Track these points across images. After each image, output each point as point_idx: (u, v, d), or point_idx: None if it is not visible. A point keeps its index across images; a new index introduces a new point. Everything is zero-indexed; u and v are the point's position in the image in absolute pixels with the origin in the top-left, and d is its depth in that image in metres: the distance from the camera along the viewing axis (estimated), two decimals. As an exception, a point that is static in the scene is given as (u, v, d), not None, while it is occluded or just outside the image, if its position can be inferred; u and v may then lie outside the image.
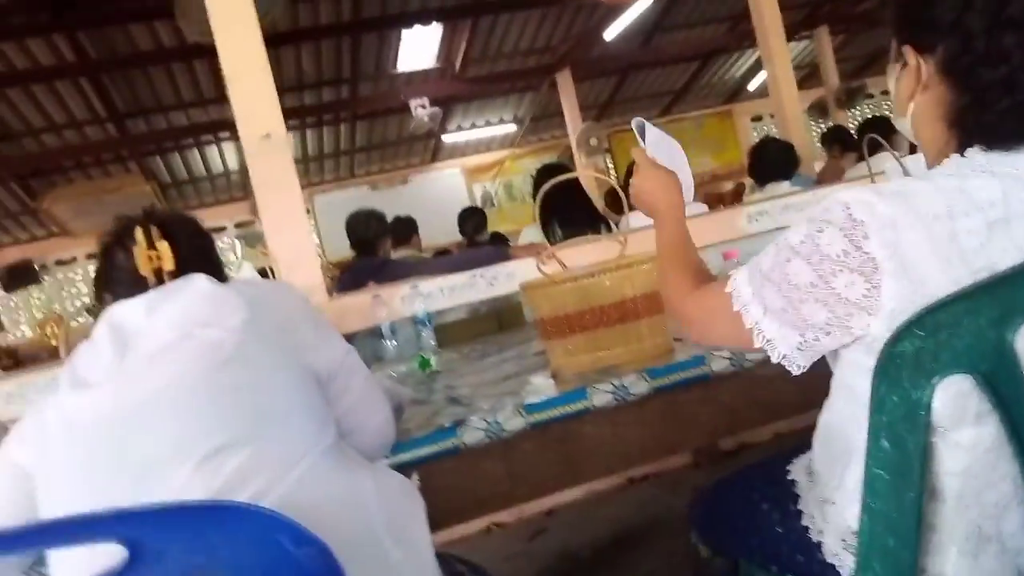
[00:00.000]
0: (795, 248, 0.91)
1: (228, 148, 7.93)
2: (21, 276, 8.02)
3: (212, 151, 7.99)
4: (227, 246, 8.72)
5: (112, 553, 0.78)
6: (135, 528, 0.71)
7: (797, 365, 0.94)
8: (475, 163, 9.41)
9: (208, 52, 6.03)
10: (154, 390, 1.01)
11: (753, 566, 1.26)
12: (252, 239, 8.76)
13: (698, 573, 1.47)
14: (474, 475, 1.16)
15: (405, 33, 6.69)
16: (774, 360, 0.94)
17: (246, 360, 1.06)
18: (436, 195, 8.88)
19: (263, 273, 3.24)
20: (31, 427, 1.07)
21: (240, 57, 2.60)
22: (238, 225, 8.76)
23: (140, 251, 1.16)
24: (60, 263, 8.32)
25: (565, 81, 7.84)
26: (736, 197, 5.77)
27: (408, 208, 8.78)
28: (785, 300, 0.92)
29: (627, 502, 2.95)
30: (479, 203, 9.20)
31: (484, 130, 9.01)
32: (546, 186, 1.78)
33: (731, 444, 3.11)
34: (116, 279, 1.19)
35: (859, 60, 9.67)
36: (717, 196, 6.31)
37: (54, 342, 5.81)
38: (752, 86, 9.68)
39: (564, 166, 3.38)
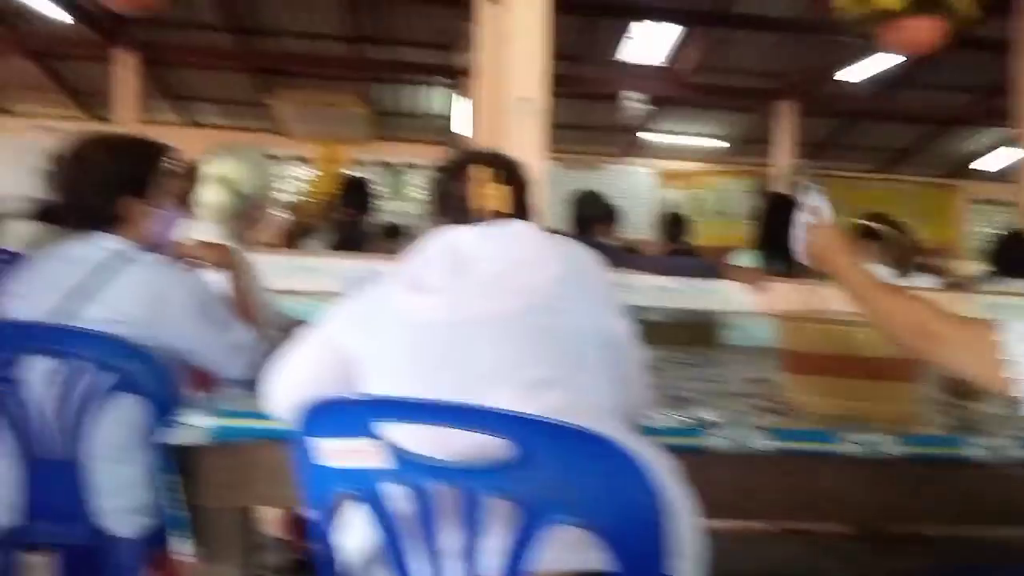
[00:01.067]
0: None
1: (439, 93, 8.26)
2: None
3: (426, 92, 8.34)
4: (419, 185, 9.12)
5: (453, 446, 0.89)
6: (526, 433, 0.81)
7: None
8: (669, 168, 9.33)
9: (456, 2, 6.36)
10: (484, 314, 1.13)
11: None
12: (439, 183, 9.12)
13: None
14: (702, 479, 1.21)
15: (639, 25, 6.70)
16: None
17: (559, 309, 1.16)
18: (625, 189, 8.86)
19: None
20: (357, 313, 1.21)
21: (526, 18, 2.71)
22: (431, 167, 9.09)
23: (479, 187, 1.28)
24: (274, 158, 8.98)
25: (786, 111, 7.60)
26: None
27: (594, 194, 8.82)
28: None
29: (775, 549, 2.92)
30: (663, 208, 9.13)
31: (688, 139, 8.91)
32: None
33: (902, 529, 3.00)
34: (447, 204, 1.33)
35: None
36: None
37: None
38: (981, 165, 9.03)
39: (794, 200, 3.30)
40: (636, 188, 9.12)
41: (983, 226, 9.41)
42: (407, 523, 0.88)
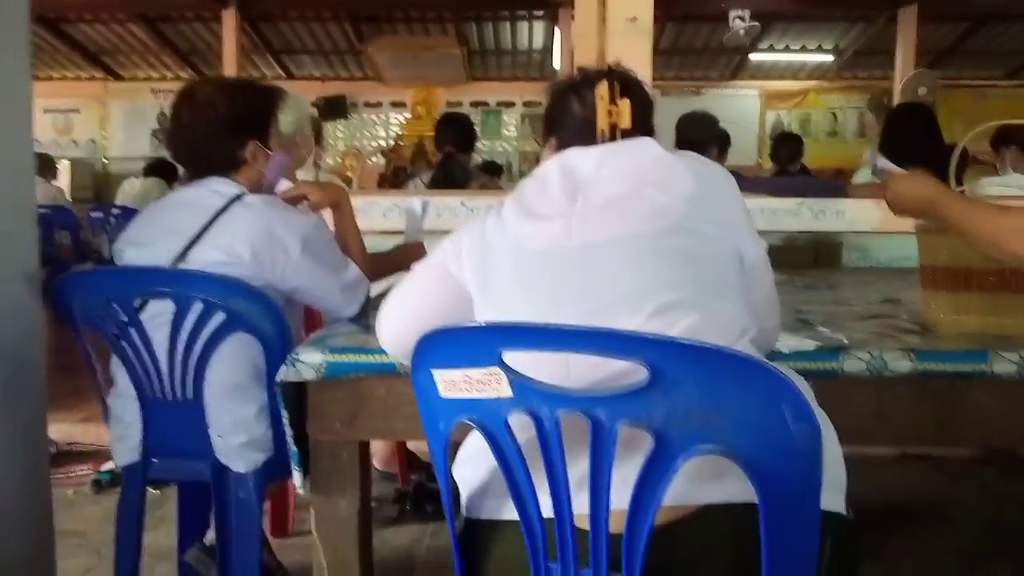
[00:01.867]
0: None
1: (538, 27, 8.05)
2: (335, 108, 8.86)
3: (523, 27, 8.15)
4: (514, 123, 9.02)
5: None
6: (659, 354, 0.74)
7: None
8: (776, 88, 8.83)
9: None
10: (607, 237, 1.05)
11: None
12: (536, 121, 9.00)
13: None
14: (841, 404, 1.11)
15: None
16: None
17: (691, 230, 1.06)
18: (728, 114, 8.39)
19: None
20: (471, 243, 1.15)
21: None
22: (526, 104, 8.98)
23: (602, 104, 1.19)
24: (368, 105, 9.07)
25: (908, 18, 6.97)
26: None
27: (696, 121, 8.48)
28: None
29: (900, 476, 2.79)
30: (769, 131, 8.69)
31: (797, 55, 8.35)
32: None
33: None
34: (566, 125, 1.24)
35: None
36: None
37: (349, 173, 6.44)
38: None
39: (928, 110, 3.03)
40: (741, 112, 8.69)
41: None
42: (531, 453, 0.84)
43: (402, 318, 1.24)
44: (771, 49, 8.28)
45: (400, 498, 2.53)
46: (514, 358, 0.83)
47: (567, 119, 1.24)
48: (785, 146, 3.87)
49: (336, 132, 9.11)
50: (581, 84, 1.24)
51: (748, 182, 2.90)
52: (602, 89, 1.19)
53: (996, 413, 1.32)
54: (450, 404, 0.87)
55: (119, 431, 1.59)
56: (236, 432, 1.54)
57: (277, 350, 1.52)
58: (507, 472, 0.86)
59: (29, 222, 1.57)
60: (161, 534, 2.19)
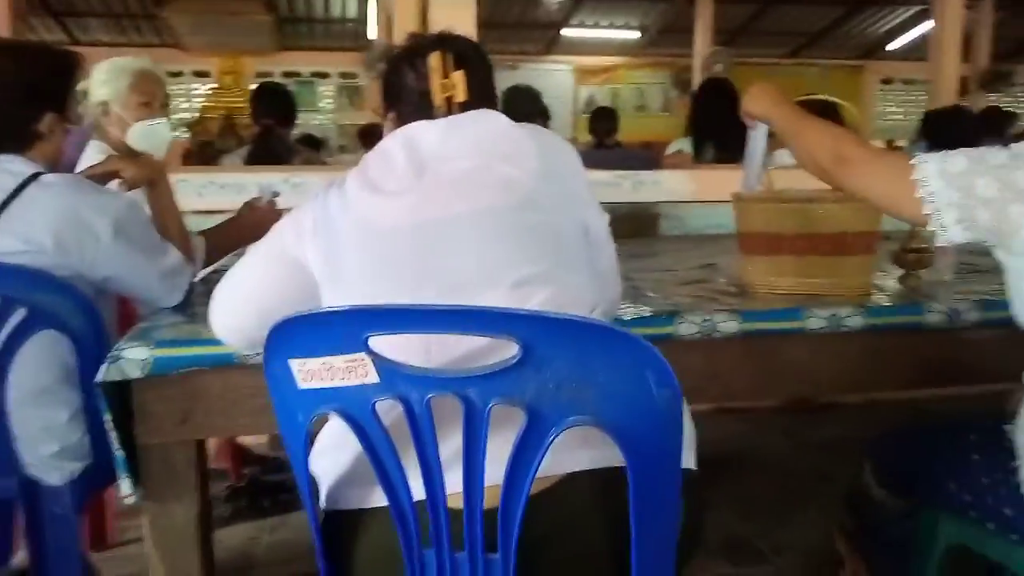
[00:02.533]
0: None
1: (351, -6, 7.81)
2: (129, 79, 8.11)
3: (336, -6, 7.87)
4: (329, 95, 8.73)
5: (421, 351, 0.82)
6: (531, 330, 0.74)
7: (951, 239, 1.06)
8: (587, 64, 9.15)
9: None
10: (459, 212, 1.03)
11: (943, 512, 1.29)
12: (352, 92, 8.76)
13: (864, 511, 1.51)
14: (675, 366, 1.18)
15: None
16: (933, 230, 1.07)
17: (541, 204, 1.07)
18: (543, 88, 8.62)
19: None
20: (312, 222, 1.08)
21: None
22: (342, 75, 8.71)
23: (436, 77, 1.15)
24: (169, 74, 8.38)
25: (705, -2, 7.49)
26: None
27: (514, 95, 8.60)
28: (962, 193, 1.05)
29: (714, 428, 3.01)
30: (582, 106, 9.01)
31: (606, 31, 8.72)
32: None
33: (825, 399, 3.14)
34: (403, 97, 1.19)
35: (1013, 43, 9.07)
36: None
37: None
38: (892, 46, 9.18)
39: (729, 85, 3.26)
40: (556, 87, 8.93)
41: (890, 106, 9.67)
42: (399, 437, 0.81)
43: (239, 305, 1.15)
44: (582, 25, 8.58)
45: (233, 495, 2.39)
46: (373, 342, 0.80)
47: (403, 91, 1.19)
48: (602, 121, 4.03)
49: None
50: (414, 54, 1.18)
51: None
52: (434, 60, 1.14)
53: (808, 365, 1.45)
54: (309, 395, 0.83)
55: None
56: (46, 441, 1.38)
57: (90, 347, 1.37)
58: (374, 459, 0.83)
59: None
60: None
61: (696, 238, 2.79)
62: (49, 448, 1.38)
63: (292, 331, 0.81)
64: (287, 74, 8.58)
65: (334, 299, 1.05)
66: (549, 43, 8.99)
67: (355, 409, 0.81)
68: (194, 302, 1.53)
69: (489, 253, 1.01)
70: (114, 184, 1.55)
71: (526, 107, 3.11)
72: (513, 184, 1.06)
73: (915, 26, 8.62)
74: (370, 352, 0.79)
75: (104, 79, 1.97)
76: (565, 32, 8.59)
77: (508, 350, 0.76)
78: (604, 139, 4.00)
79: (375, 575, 0.93)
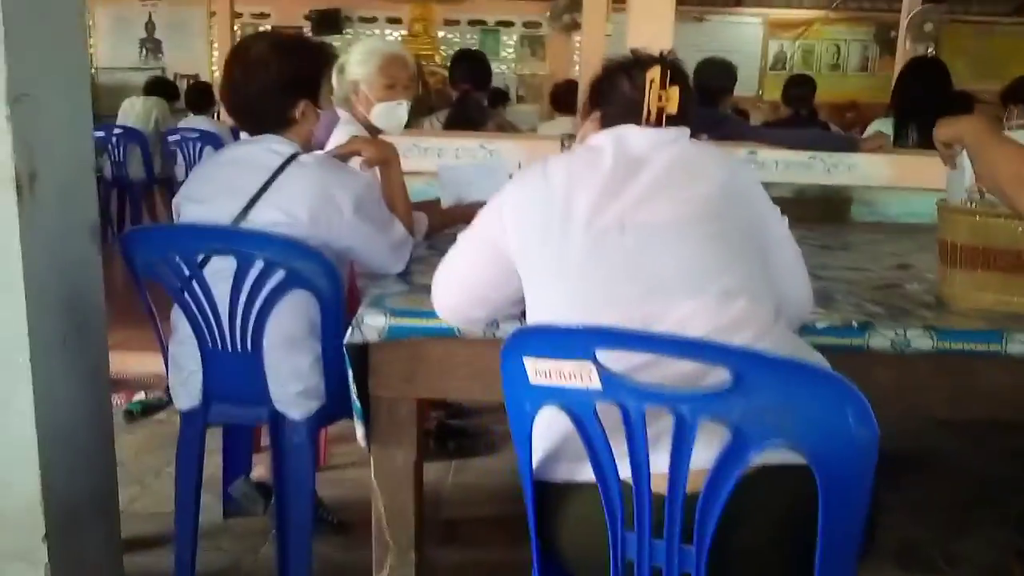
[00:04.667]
0: None
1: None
2: (329, 23, 8.64)
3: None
4: (512, 44, 8.86)
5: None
6: (745, 364, 0.84)
7: None
8: (780, 17, 8.69)
9: None
10: (659, 220, 1.13)
11: None
12: (535, 43, 8.84)
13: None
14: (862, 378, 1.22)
15: None
16: None
17: (732, 217, 1.17)
18: (729, 42, 8.36)
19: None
20: (513, 212, 1.22)
21: None
22: (525, 24, 8.80)
23: (653, 88, 1.26)
24: (363, 20, 8.84)
25: (917, -52, 6.88)
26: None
27: (699, 50, 8.39)
28: None
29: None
30: (771, 62, 8.62)
31: (802, -18, 8.23)
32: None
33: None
34: (613, 101, 1.32)
35: None
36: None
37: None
38: None
39: (940, 64, 3.08)
40: (743, 40, 8.59)
41: None
42: (612, 430, 0.93)
43: (453, 290, 1.33)
44: (776, -25, 8.15)
45: (423, 436, 2.65)
46: (600, 353, 0.92)
47: (615, 96, 1.32)
48: (798, 89, 3.89)
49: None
50: (633, 65, 1.33)
51: (764, 133, 2.96)
52: (654, 73, 1.27)
53: (1007, 389, 1.44)
54: (539, 390, 0.96)
55: (180, 378, 1.68)
56: (292, 382, 1.64)
57: (332, 305, 1.60)
58: (588, 445, 0.96)
59: (88, 176, 1.62)
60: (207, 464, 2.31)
61: (890, 227, 2.70)
62: (295, 388, 1.64)
63: (530, 337, 0.95)
64: (472, 22, 8.80)
65: (535, 289, 1.19)
66: (740, -7, 8.62)
67: (577, 407, 0.95)
68: (413, 271, 1.73)
69: (685, 261, 1.11)
70: (355, 162, 1.76)
71: (719, 81, 3.09)
72: (707, 199, 1.17)
73: None
74: (596, 362, 0.91)
75: (358, 60, 2.19)
76: (757, -18, 8.19)
77: (720, 374, 0.86)
78: (799, 108, 3.88)
79: (580, 543, 1.07)
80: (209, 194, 1.62)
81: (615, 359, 0.93)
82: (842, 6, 8.60)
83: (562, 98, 4.45)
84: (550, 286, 1.17)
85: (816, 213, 2.80)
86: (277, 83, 1.63)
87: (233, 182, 1.60)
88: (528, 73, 8.78)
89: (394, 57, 2.21)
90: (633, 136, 1.24)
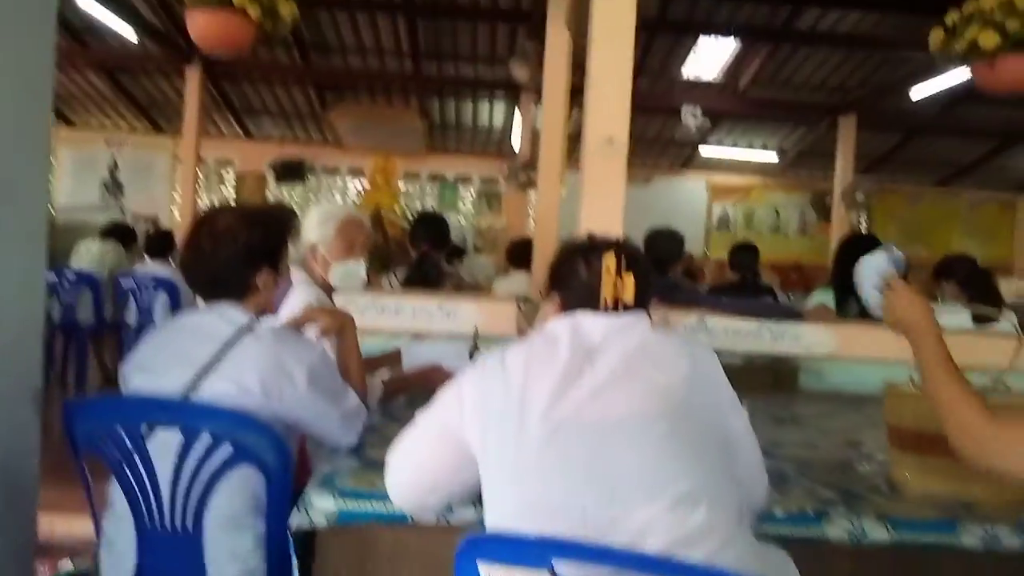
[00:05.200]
0: None
1: (498, 108, 8.30)
2: (293, 171, 8.90)
3: (484, 106, 8.40)
4: (470, 197, 9.19)
5: None
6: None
7: None
8: (722, 182, 9.25)
9: (514, 16, 6.40)
10: (617, 416, 1.13)
11: None
12: (492, 197, 9.19)
13: None
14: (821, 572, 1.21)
15: (700, 42, 6.69)
16: None
17: (692, 413, 1.16)
18: (675, 203, 8.86)
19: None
20: (473, 401, 1.21)
21: (608, 62, 2.68)
22: (483, 180, 9.17)
23: (608, 276, 1.28)
24: (326, 169, 9.12)
25: (847, 125, 7.50)
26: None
27: (646, 211, 8.80)
28: None
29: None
30: (715, 224, 9.07)
31: (744, 151, 8.83)
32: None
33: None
34: (571, 286, 1.33)
35: None
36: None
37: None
38: (1049, 181, 8.78)
39: (873, 239, 3.27)
40: (689, 202, 9.08)
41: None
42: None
43: (409, 474, 1.30)
44: (719, 143, 8.72)
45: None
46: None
47: (573, 281, 1.33)
48: (743, 255, 4.09)
49: (292, 195, 9.12)
50: (589, 250, 1.34)
51: (714, 301, 3.05)
52: (609, 260, 1.29)
53: (962, 581, 1.43)
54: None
55: (112, 557, 1.57)
56: (231, 563, 1.54)
57: (279, 482, 1.53)
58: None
59: (36, 338, 1.58)
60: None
61: (837, 398, 2.76)
62: (233, 570, 1.54)
63: (486, 544, 0.92)
64: (433, 176, 9.15)
65: (493, 481, 1.16)
66: (686, 159, 9.17)
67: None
68: (366, 442, 1.69)
69: (648, 463, 1.09)
70: (310, 331, 1.76)
71: (669, 252, 3.22)
72: (666, 392, 1.16)
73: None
74: (553, 573, 0.88)
75: (315, 223, 2.24)
76: (703, 149, 8.75)
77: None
78: (746, 274, 4.05)
79: None
80: (159, 364, 1.59)
81: (573, 570, 0.90)
82: (779, 174, 9.20)
83: (518, 255, 4.57)
84: (507, 484, 1.14)
85: (765, 381, 2.85)
86: (243, 253, 1.64)
87: (185, 351, 1.57)
88: (485, 226, 9.07)
89: (351, 220, 2.27)
90: (589, 323, 1.25)
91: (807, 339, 2.93)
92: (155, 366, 1.59)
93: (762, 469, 1.32)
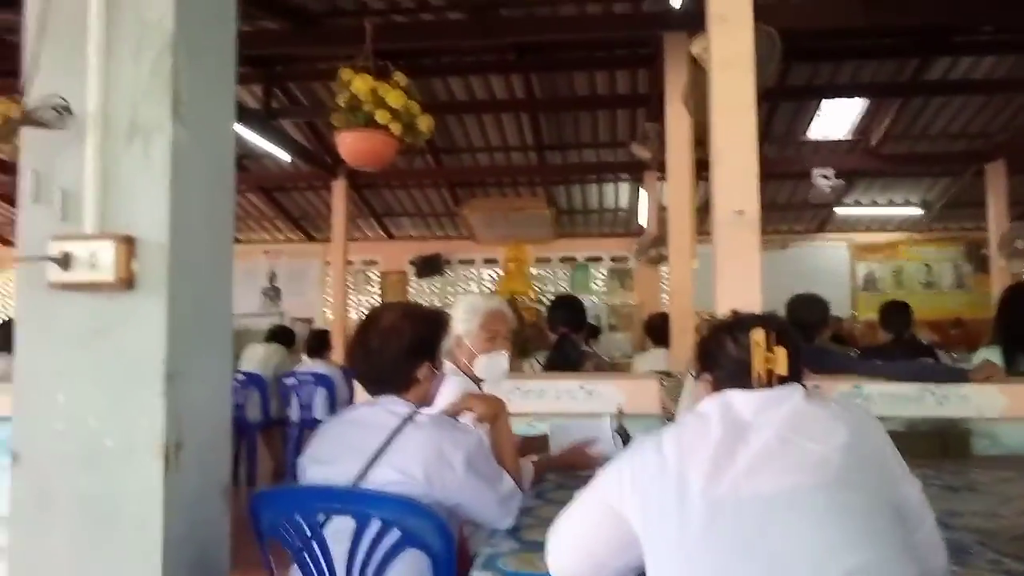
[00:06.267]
0: None
1: (623, 188, 8.44)
2: (431, 266, 9.34)
3: (609, 188, 8.57)
4: (601, 277, 9.27)
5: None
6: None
7: None
8: (865, 240, 8.87)
9: (629, 101, 6.57)
10: (778, 490, 1.12)
11: None
12: (623, 275, 9.24)
13: None
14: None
15: (825, 103, 6.60)
16: None
17: (852, 482, 1.13)
18: (817, 266, 8.56)
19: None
20: (632, 480, 1.22)
21: (732, 137, 2.71)
22: (613, 259, 9.25)
23: (759, 351, 1.29)
24: (462, 262, 9.51)
25: (996, 171, 7.06)
26: None
27: (786, 276, 8.57)
28: None
29: None
30: (861, 284, 8.68)
31: (884, 209, 8.46)
32: None
33: None
34: (721, 364, 1.34)
35: None
36: None
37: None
38: None
39: (1038, 290, 3.06)
40: (830, 263, 8.75)
41: None
42: None
43: (569, 551, 1.31)
44: (857, 204, 8.42)
45: None
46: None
47: (722, 358, 1.34)
48: (895, 315, 3.88)
49: (432, 288, 9.53)
50: (735, 327, 1.35)
51: (868, 366, 2.93)
52: (758, 335, 1.29)
53: None
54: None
55: (294, 638, 1.68)
56: (403, 644, 1.61)
57: (444, 564, 1.61)
58: None
59: (224, 439, 1.75)
60: None
61: (1015, 461, 2.55)
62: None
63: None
64: (563, 259, 9.33)
65: (655, 559, 1.16)
66: (822, 221, 8.89)
67: None
68: (522, 525, 1.74)
69: (812, 538, 1.07)
70: (466, 417, 1.85)
71: (812, 316, 3.14)
72: (821, 462, 1.13)
73: None
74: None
75: (461, 317, 2.38)
76: (839, 210, 8.47)
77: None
78: (901, 333, 3.85)
79: None
80: (331, 455, 1.72)
81: None
82: (926, 227, 8.72)
83: (655, 330, 4.57)
84: (670, 565, 1.14)
85: (933, 448, 2.67)
86: (407, 349, 1.77)
87: (354, 443, 1.70)
88: (618, 303, 9.10)
89: (494, 312, 2.38)
90: (739, 400, 1.24)
91: (975, 400, 2.74)
92: (328, 457, 1.72)
93: (939, 543, 1.26)
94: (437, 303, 9.23)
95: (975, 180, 7.30)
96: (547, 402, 3.04)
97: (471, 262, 9.47)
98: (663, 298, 7.25)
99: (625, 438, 2.24)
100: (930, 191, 8.19)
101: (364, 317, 1.87)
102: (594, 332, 5.44)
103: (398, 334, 1.76)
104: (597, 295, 9.25)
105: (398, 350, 1.76)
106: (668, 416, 2.81)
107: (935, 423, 2.73)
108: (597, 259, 9.32)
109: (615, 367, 5.06)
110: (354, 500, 1.61)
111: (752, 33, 2.66)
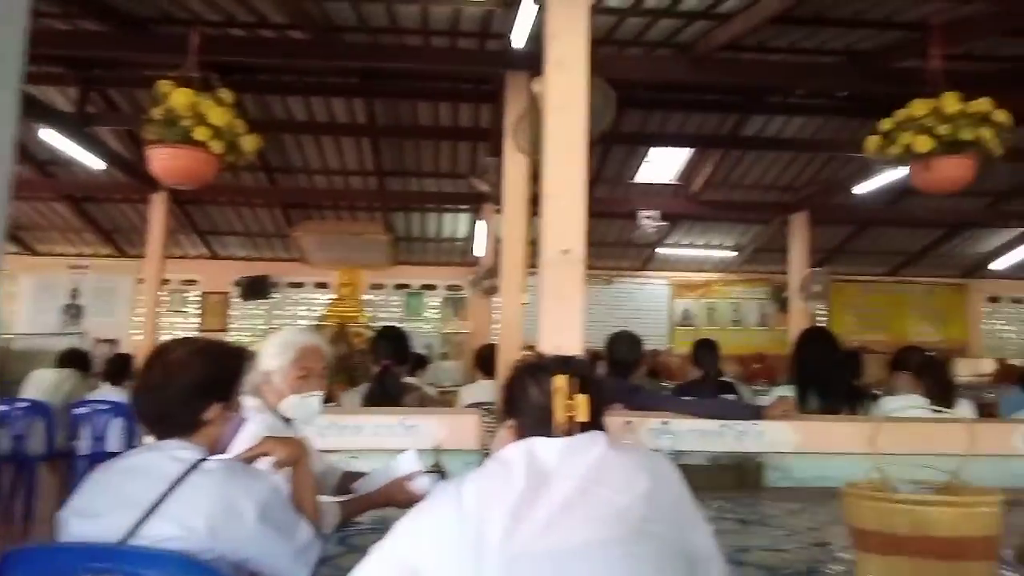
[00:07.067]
0: None
1: (462, 219, 8.48)
2: (258, 288, 8.90)
3: (447, 218, 8.58)
4: (436, 305, 9.24)
5: None
6: None
7: None
8: (683, 279, 9.43)
9: (471, 134, 6.63)
10: (578, 542, 1.10)
11: None
12: (457, 304, 9.25)
13: None
14: None
15: (653, 150, 6.99)
16: None
17: (649, 533, 1.14)
18: (639, 301, 9.02)
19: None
20: (429, 534, 1.18)
21: (562, 178, 2.77)
22: (448, 287, 9.25)
23: (560, 397, 1.27)
24: (291, 285, 9.14)
25: (799, 222, 7.74)
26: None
27: (611, 310, 8.90)
28: None
29: None
30: (678, 319, 9.20)
31: (701, 251, 9.05)
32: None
33: None
34: (525, 410, 1.31)
35: None
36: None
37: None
38: (996, 265, 9.08)
39: (828, 333, 3.34)
40: (652, 299, 9.24)
41: (999, 323, 9.41)
42: None
43: None
44: (677, 244, 8.94)
45: None
46: None
47: (525, 405, 1.30)
48: (704, 352, 4.13)
49: (256, 312, 9.09)
50: (538, 370, 1.32)
51: (675, 402, 3.07)
52: (560, 381, 1.26)
53: None
54: None
55: None
56: None
57: (227, 625, 1.47)
58: None
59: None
60: None
61: (803, 493, 2.74)
62: None
63: None
64: (398, 286, 9.20)
65: None
66: (645, 260, 9.36)
67: None
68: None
69: None
70: (264, 462, 1.71)
71: (631, 355, 3.25)
72: (623, 513, 1.14)
73: (1020, 245, 8.55)
74: None
75: (273, 352, 2.14)
76: (661, 250, 8.95)
77: None
78: (710, 370, 4.09)
79: None
80: (99, 507, 1.52)
81: None
82: (738, 269, 9.42)
83: (485, 361, 4.56)
84: None
85: (731, 481, 2.83)
86: (194, 387, 1.60)
87: (127, 494, 1.51)
88: (451, 331, 9.08)
89: (309, 348, 2.19)
90: (542, 448, 1.22)
91: (770, 436, 2.93)
92: (94, 510, 1.52)
93: None
94: (262, 327, 8.80)
95: (781, 228, 7.97)
96: (364, 438, 2.93)
97: (301, 285, 9.12)
98: (495, 328, 7.33)
99: (442, 475, 2.17)
100: (742, 236, 8.85)
101: (152, 350, 1.69)
102: (421, 362, 5.35)
103: (185, 370, 1.60)
104: (431, 322, 9.20)
105: (183, 388, 1.59)
106: (486, 452, 2.79)
107: (734, 457, 2.89)
108: (432, 287, 9.28)
109: (444, 397, 5.01)
110: (122, 559, 1.43)
111: (587, 80, 2.73)
